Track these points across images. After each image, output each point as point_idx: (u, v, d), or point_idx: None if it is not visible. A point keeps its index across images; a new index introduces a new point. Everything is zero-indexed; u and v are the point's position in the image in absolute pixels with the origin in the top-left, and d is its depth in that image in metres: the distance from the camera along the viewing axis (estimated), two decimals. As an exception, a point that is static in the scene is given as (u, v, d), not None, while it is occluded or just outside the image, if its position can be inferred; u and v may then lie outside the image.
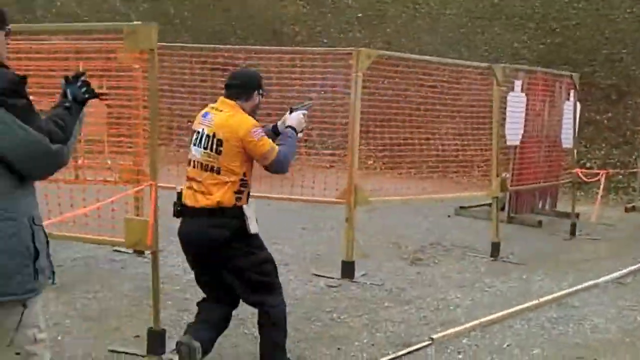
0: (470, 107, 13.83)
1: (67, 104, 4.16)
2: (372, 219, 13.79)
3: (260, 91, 6.08)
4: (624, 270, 10.46)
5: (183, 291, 8.64)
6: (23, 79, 3.85)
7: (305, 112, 6.31)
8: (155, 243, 6.48)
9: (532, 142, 13.57)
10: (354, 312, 8.10)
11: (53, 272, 4.12)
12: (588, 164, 19.60)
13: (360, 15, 30.10)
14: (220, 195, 5.81)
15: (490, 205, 13.93)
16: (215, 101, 6.03)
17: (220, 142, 5.78)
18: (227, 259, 6.05)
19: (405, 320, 7.91)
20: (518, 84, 13.20)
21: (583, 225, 14.04)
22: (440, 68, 14.75)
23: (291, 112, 6.28)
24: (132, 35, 6.36)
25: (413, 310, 8.29)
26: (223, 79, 6.66)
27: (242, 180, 5.85)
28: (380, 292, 8.96)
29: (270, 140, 5.90)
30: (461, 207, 14.91)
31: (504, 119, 12.97)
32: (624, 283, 9.98)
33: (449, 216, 14.64)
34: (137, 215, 8.63)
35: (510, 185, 13.35)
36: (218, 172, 5.81)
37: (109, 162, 10.30)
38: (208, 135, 5.83)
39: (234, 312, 7.08)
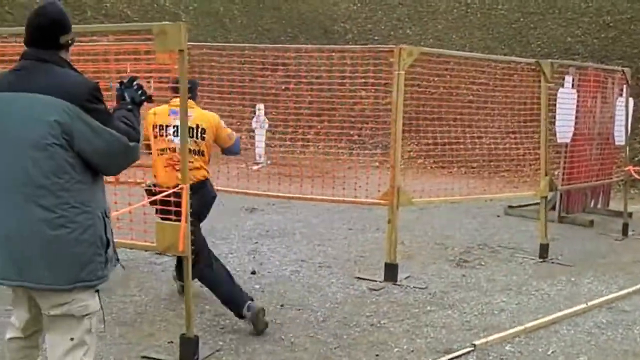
0: (522, 104, 13.58)
1: (129, 107, 4.63)
2: (419, 218, 13.62)
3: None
4: (678, 272, 10.14)
5: (222, 295, 8.46)
6: (99, 87, 4.31)
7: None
8: (187, 247, 6.29)
9: (583, 140, 13.23)
10: (394, 317, 7.88)
11: (118, 259, 4.66)
12: (643, 161, 19.19)
13: (411, 11, 29.83)
14: (204, 170, 7.48)
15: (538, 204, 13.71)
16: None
17: (204, 131, 7.38)
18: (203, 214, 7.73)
19: (447, 325, 7.68)
20: (568, 79, 12.89)
21: (636, 224, 13.69)
22: (491, 65, 14.53)
23: None
24: (162, 36, 6.19)
25: (456, 314, 8.05)
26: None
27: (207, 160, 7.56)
28: (423, 295, 8.73)
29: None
30: (510, 207, 14.61)
31: (554, 116, 12.70)
32: (677, 286, 9.65)
33: (498, 216, 14.33)
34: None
35: (561, 184, 13.06)
36: (202, 154, 7.42)
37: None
38: (191, 127, 7.07)
39: (271, 319, 7.55)
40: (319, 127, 17.27)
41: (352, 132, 19.25)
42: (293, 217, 13.48)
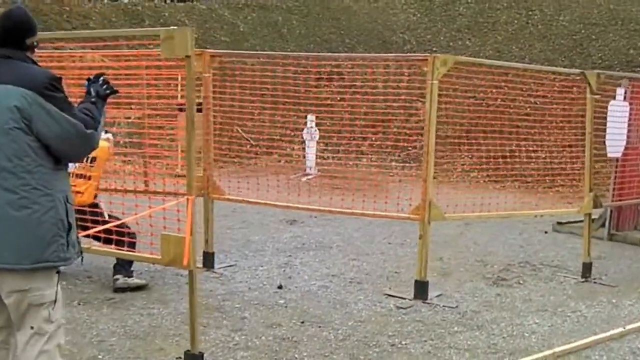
0: (580, 117, 13.12)
1: (92, 99, 4.91)
2: (462, 234, 13.27)
3: None
4: None
5: (242, 309, 8.30)
6: (59, 78, 4.64)
7: None
8: (192, 261, 6.06)
9: (635, 154, 12.73)
10: (417, 337, 7.53)
11: (81, 251, 4.87)
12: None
13: (471, 22, 29.47)
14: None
15: (592, 221, 13.22)
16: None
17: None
18: None
19: (472, 347, 7.31)
20: (620, 92, 12.43)
21: (693, 244, 13.16)
22: (550, 77, 14.13)
23: None
24: (169, 41, 5.98)
25: (483, 336, 7.67)
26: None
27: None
28: (452, 315, 8.35)
29: None
30: (559, 223, 14.14)
31: (605, 129, 12.25)
32: None
33: (545, 232, 13.87)
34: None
35: (612, 200, 12.59)
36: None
37: (179, 170, 10.13)
38: None
39: (289, 335, 7.43)
40: (373, 138, 17.02)
41: (408, 145, 18.96)
42: (333, 230, 13.20)
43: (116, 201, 8.65)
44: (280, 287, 9.21)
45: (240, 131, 14.55)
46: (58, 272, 4.66)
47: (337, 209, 10.04)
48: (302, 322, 7.88)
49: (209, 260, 10.09)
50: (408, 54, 14.63)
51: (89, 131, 4.65)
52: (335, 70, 15.49)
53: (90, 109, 4.80)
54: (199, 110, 9.43)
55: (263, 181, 10.68)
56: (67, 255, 4.63)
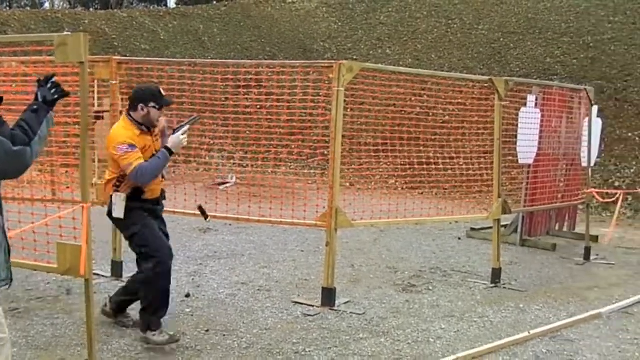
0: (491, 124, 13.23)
1: (34, 107, 4.79)
2: (377, 240, 13.25)
3: (151, 104, 7.18)
4: (632, 299, 9.72)
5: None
6: None
7: (187, 128, 7.35)
8: (88, 270, 5.92)
9: (547, 161, 12.85)
10: (322, 345, 7.47)
11: (9, 269, 4.84)
12: (617, 183, 18.84)
13: (391, 31, 29.62)
14: (104, 186, 7.47)
15: (505, 227, 13.32)
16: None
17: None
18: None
19: (376, 354, 7.27)
20: (531, 99, 12.55)
21: (601, 249, 13.31)
22: (469, 84, 14.19)
23: (174, 132, 7.27)
24: (63, 47, 5.82)
25: (388, 342, 7.63)
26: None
27: (118, 179, 7.17)
28: (359, 321, 8.31)
29: (133, 156, 6.99)
30: (472, 229, 14.23)
31: (516, 136, 12.36)
32: (630, 313, 9.21)
33: (459, 239, 13.94)
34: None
35: (524, 206, 12.69)
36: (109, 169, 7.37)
37: (94, 180, 9.94)
38: None
39: (193, 344, 7.32)
40: (292, 146, 16.94)
41: (327, 152, 18.89)
42: (247, 237, 13.11)
43: (26, 211, 8.45)
44: (187, 295, 9.08)
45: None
46: None
47: (245, 217, 9.93)
48: (207, 331, 7.77)
49: (117, 269, 9.91)
50: (314, 61, 14.56)
51: (16, 148, 4.47)
52: (255, 77, 15.38)
53: (27, 120, 4.68)
54: (98, 118, 9.34)
55: (180, 189, 10.54)
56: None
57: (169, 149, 7.17)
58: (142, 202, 7.26)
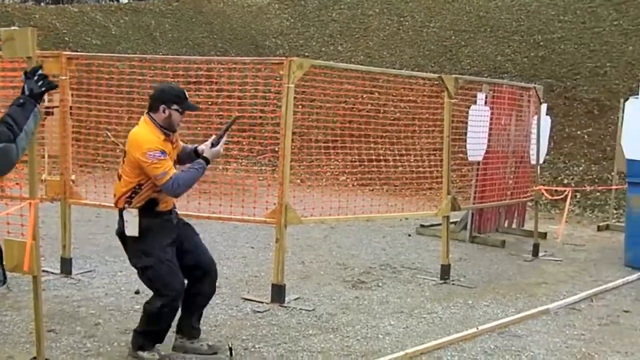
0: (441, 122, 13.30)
1: (21, 100, 4.65)
2: (327, 237, 13.28)
3: (173, 106, 6.52)
4: (579, 295, 9.83)
5: (97, 315, 8.11)
6: None
7: (225, 139, 6.76)
8: (36, 267, 5.87)
9: (496, 158, 12.96)
10: (272, 341, 7.47)
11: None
12: (566, 181, 19.04)
13: (343, 28, 29.68)
14: (116, 199, 6.61)
15: (454, 223, 13.39)
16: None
17: (125, 153, 6.52)
18: (127, 252, 6.80)
19: (325, 350, 7.29)
20: (481, 96, 12.63)
21: (549, 245, 13.44)
22: (420, 82, 14.25)
23: (213, 145, 6.67)
24: (10, 42, 5.75)
25: (338, 339, 7.65)
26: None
27: (134, 189, 6.47)
28: (308, 318, 8.32)
29: (167, 164, 6.35)
30: (422, 226, 14.29)
31: (466, 133, 12.42)
32: (577, 309, 9.32)
33: (409, 235, 14.01)
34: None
35: (473, 203, 12.79)
36: (120, 179, 6.58)
37: (44, 177, 9.88)
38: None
39: None
40: (244, 142, 16.90)
41: (276, 149, 18.89)
42: (197, 234, 13.05)
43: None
44: (137, 292, 9.03)
45: (110, 135, 14.28)
46: None
47: (195, 213, 9.90)
48: (157, 328, 7.74)
49: (66, 266, 9.84)
50: (265, 58, 14.56)
51: (0, 146, 4.36)
52: (206, 74, 15.33)
53: (12, 115, 4.53)
54: (48, 114, 9.26)
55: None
56: None
57: (207, 161, 6.63)
58: (156, 215, 6.57)
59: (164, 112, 6.49)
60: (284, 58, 9.01)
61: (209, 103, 15.63)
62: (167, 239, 6.60)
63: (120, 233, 6.61)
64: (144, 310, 6.74)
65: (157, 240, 6.53)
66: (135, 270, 6.83)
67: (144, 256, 6.54)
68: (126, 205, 6.49)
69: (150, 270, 6.56)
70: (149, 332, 6.76)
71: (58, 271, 9.77)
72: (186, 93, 6.65)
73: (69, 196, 9.73)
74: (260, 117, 14.38)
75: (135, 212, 6.47)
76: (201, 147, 6.79)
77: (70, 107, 9.59)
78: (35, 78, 4.77)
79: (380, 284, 10.12)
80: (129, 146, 6.42)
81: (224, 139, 6.75)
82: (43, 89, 4.78)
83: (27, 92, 4.70)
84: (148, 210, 6.51)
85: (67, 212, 9.85)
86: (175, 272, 6.59)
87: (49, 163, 10.25)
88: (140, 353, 6.73)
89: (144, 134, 6.45)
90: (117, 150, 17.07)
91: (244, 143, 15.43)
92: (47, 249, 10.14)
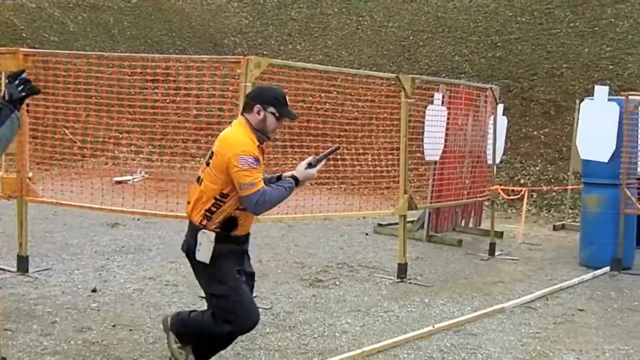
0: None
1: None
2: (285, 235, 13.30)
3: (270, 109, 5.87)
4: (534, 294, 9.93)
5: (53, 314, 8.07)
6: None
7: (324, 162, 6.18)
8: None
9: (453, 158, 13.05)
10: (228, 340, 7.48)
11: None
12: (522, 180, 19.19)
13: (302, 27, 29.70)
14: (192, 208, 5.88)
15: (411, 222, 13.46)
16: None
17: (212, 154, 5.79)
18: (195, 272, 6.15)
19: (282, 348, 7.32)
20: (438, 96, 12.72)
21: (506, 244, 13.56)
22: (378, 81, 14.30)
23: (310, 165, 6.04)
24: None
25: (295, 337, 7.69)
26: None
27: (216, 199, 5.76)
28: (265, 316, 8.31)
29: (257, 175, 5.64)
30: (380, 225, 14.36)
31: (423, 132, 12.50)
32: (533, 307, 9.40)
33: (366, 234, 14.08)
34: None
35: (430, 202, 12.87)
36: (200, 183, 5.84)
37: (0, 174, 9.82)
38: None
39: (99, 339, 7.21)
40: (202, 141, 16.88)
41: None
42: (155, 232, 13.07)
43: None
44: (94, 290, 9.02)
45: (67, 133, 14.18)
46: None
47: (152, 212, 9.90)
48: (114, 326, 7.73)
49: (22, 263, 9.78)
50: (223, 56, 14.50)
51: None
52: (164, 71, 15.28)
53: None
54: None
55: (87, 184, 10.45)
56: None
57: (297, 181, 5.98)
58: (233, 241, 5.92)
59: (258, 113, 5.84)
60: (241, 56, 9.03)
61: (167, 101, 15.60)
62: (238, 265, 6.06)
63: (187, 252, 5.97)
64: (206, 330, 6.16)
65: (230, 267, 5.96)
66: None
67: (216, 283, 5.96)
68: (204, 222, 5.78)
69: (222, 299, 5.95)
70: (204, 353, 6.33)
71: (14, 269, 9.70)
72: (287, 99, 6.07)
73: (25, 194, 9.67)
74: (218, 115, 14.33)
75: (212, 236, 5.77)
76: (286, 174, 6.09)
77: (27, 105, 9.52)
78: (17, 82, 4.56)
79: (338, 283, 10.17)
80: (219, 147, 5.76)
81: (323, 162, 6.15)
82: (23, 94, 4.56)
83: (6, 97, 4.52)
84: (225, 236, 5.82)
85: (24, 209, 9.79)
86: (250, 302, 6.14)
87: (6, 160, 10.17)
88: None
89: (239, 136, 5.80)
90: (75, 148, 17.05)
91: (202, 142, 15.40)
92: (3, 247, 10.10)
